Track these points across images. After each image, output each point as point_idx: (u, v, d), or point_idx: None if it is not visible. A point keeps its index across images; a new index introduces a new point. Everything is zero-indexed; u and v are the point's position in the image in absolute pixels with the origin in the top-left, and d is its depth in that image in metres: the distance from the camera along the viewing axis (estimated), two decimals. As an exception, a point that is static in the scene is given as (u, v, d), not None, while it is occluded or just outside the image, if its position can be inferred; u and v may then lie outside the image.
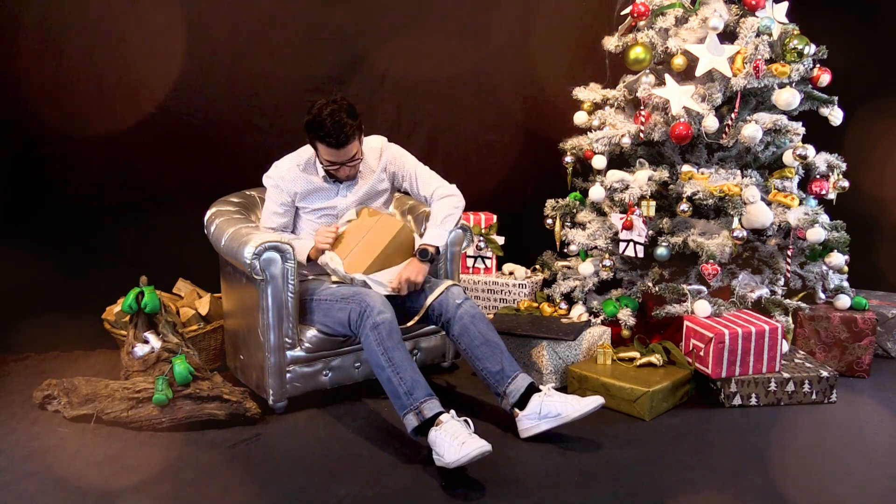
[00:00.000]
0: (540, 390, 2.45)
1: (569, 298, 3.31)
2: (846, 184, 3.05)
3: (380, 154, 2.83)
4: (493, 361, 2.50)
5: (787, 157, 2.97)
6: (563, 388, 2.88)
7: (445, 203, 2.77)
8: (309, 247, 2.73)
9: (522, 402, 2.44)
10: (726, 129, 2.97)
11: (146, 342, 2.71)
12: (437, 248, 2.69)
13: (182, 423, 2.54)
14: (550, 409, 2.39)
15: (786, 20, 3.07)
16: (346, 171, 2.67)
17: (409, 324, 2.66)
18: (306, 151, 2.76)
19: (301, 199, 2.75)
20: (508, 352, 2.54)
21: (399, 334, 2.44)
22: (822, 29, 3.13)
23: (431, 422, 2.27)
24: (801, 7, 3.18)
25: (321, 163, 2.66)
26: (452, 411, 2.30)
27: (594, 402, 2.39)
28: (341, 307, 2.55)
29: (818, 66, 3.05)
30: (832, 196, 3.06)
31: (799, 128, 2.93)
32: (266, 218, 2.80)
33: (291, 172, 2.73)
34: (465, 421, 2.27)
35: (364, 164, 2.78)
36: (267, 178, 2.77)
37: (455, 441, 2.17)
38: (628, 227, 2.97)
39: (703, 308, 2.87)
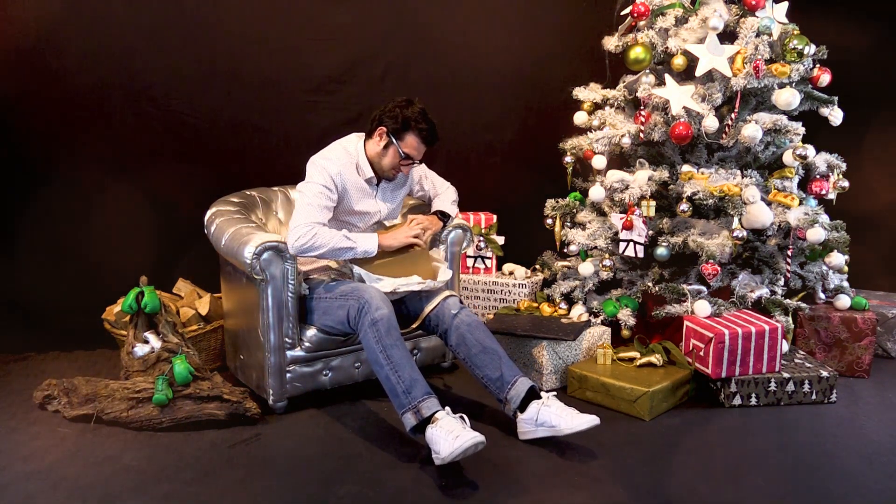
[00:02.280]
0: (540, 396, 2.45)
1: (569, 298, 3.31)
2: (846, 184, 3.05)
3: None
4: (492, 368, 2.50)
5: (787, 157, 2.97)
6: (563, 388, 2.89)
7: (452, 191, 3.00)
8: (375, 239, 2.62)
9: (524, 406, 2.44)
10: (726, 129, 2.97)
11: (146, 342, 2.71)
12: (449, 216, 2.92)
13: (182, 423, 2.54)
14: (547, 418, 2.39)
15: (786, 20, 3.07)
16: (408, 169, 2.75)
17: (407, 329, 2.67)
18: (348, 149, 2.69)
19: (344, 196, 2.67)
20: (507, 357, 2.53)
21: (398, 331, 2.44)
22: (823, 29, 3.13)
23: (430, 420, 2.27)
24: (801, 7, 3.18)
25: (398, 156, 2.65)
26: (448, 408, 2.30)
27: (590, 421, 2.36)
28: (340, 304, 2.56)
29: (818, 66, 3.06)
30: (832, 196, 3.06)
31: (799, 128, 2.93)
32: (315, 212, 2.56)
33: (347, 167, 2.66)
34: (461, 417, 2.27)
35: None
36: (321, 170, 2.60)
37: (449, 435, 2.18)
38: (628, 227, 2.97)
39: (703, 308, 2.87)
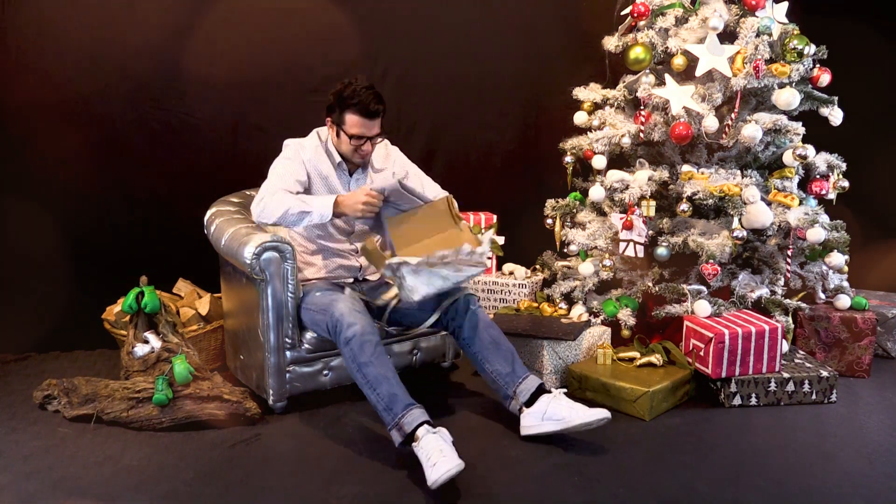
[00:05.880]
0: (550, 392, 2.45)
1: (569, 298, 3.31)
2: (846, 184, 3.05)
3: (386, 154, 2.84)
4: (504, 364, 2.50)
5: (787, 157, 2.98)
6: (563, 388, 2.88)
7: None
8: (330, 203, 2.51)
9: (530, 403, 2.44)
10: (726, 129, 2.97)
11: (146, 342, 2.71)
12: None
13: (182, 423, 2.55)
14: (555, 411, 2.38)
15: (786, 20, 3.08)
16: (368, 148, 2.66)
17: (420, 326, 2.67)
18: (320, 136, 2.72)
19: (314, 184, 2.68)
20: (519, 357, 2.53)
21: (373, 345, 2.38)
22: (822, 29, 3.13)
23: (413, 436, 2.24)
24: (800, 7, 3.18)
25: (348, 139, 2.61)
26: (427, 425, 2.23)
27: (600, 414, 2.36)
28: (321, 319, 2.55)
29: (818, 66, 3.06)
30: (832, 196, 3.06)
31: (799, 128, 2.94)
32: (287, 180, 2.59)
33: (319, 154, 2.69)
34: (440, 433, 2.20)
35: (371, 162, 2.78)
36: (295, 150, 2.68)
37: (427, 462, 2.13)
38: (628, 227, 2.97)
39: (703, 308, 2.87)
